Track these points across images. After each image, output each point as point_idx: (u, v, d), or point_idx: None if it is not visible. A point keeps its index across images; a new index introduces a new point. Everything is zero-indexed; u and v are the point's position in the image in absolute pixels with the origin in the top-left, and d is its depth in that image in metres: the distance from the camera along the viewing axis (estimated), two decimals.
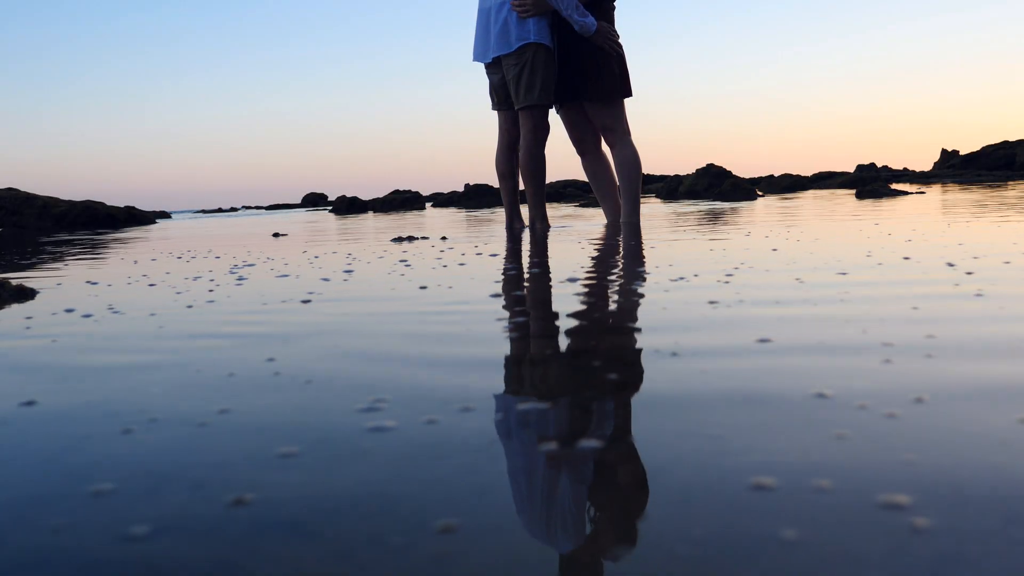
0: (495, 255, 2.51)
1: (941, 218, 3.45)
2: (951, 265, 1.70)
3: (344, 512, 0.53)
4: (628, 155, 3.95)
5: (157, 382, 0.92)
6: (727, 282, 1.57)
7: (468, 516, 0.51)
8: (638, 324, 1.17)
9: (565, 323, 1.22)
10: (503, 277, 1.89)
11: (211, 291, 1.85)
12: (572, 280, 1.76)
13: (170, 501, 0.56)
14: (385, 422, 0.73)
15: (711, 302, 1.33)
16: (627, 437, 0.65)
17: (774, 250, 2.23)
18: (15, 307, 1.70)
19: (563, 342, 1.07)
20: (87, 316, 1.51)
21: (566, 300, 1.46)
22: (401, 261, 2.44)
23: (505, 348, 1.04)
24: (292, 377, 0.92)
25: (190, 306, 1.59)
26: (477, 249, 2.81)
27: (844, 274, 1.62)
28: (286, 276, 2.13)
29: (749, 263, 1.91)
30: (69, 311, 1.59)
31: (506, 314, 1.32)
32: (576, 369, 0.91)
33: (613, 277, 1.78)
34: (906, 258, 1.87)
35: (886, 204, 5.43)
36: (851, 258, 1.93)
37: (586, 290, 1.58)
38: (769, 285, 1.51)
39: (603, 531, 0.48)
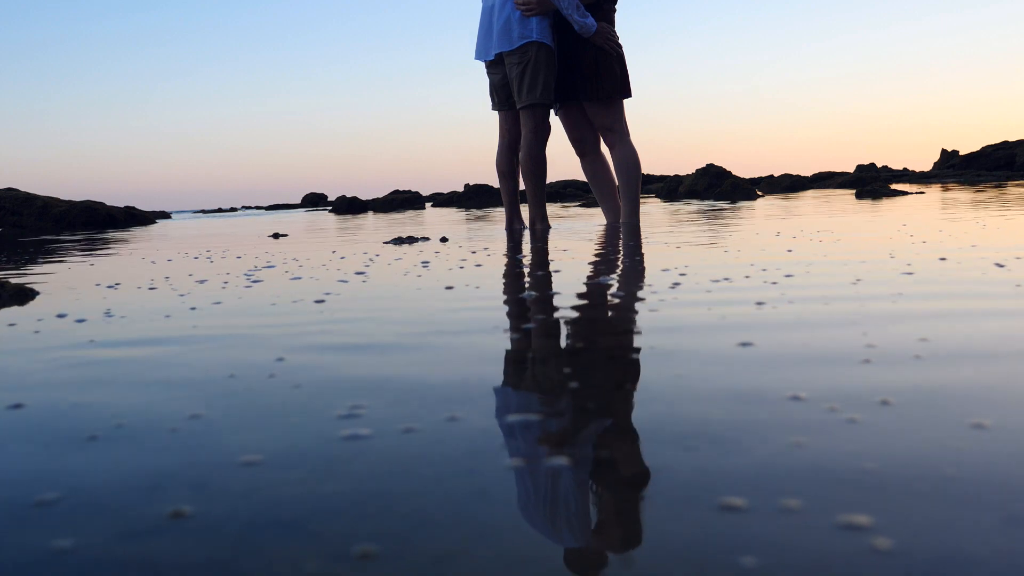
0: (495, 255, 2.51)
1: (960, 218, 3.45)
2: (1000, 266, 1.66)
3: (273, 532, 0.50)
4: (627, 155, 3.95)
5: (149, 384, 0.92)
6: (775, 282, 1.55)
7: (392, 540, 0.48)
8: (637, 327, 1.17)
9: (566, 327, 1.22)
10: (508, 280, 1.89)
11: (246, 287, 1.85)
12: (572, 285, 1.76)
13: (102, 514, 0.54)
14: (360, 430, 0.70)
15: (759, 303, 1.32)
16: (605, 454, 0.65)
17: (789, 251, 2.23)
18: (15, 308, 1.70)
19: (566, 347, 1.07)
20: (83, 320, 1.51)
21: (567, 302, 1.46)
22: (423, 263, 2.43)
23: (510, 354, 1.04)
24: (285, 380, 0.91)
25: (194, 308, 1.59)
26: (480, 251, 2.80)
27: (910, 274, 1.58)
28: (299, 279, 2.13)
29: (776, 265, 1.91)
30: (66, 314, 1.59)
31: (513, 320, 1.32)
32: (574, 377, 0.91)
33: (612, 280, 1.78)
34: (942, 259, 1.83)
35: (886, 204, 5.43)
36: (896, 259, 1.93)
37: (585, 293, 1.58)
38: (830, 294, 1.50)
39: (576, 553, 0.46)
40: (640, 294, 1.49)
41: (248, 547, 0.48)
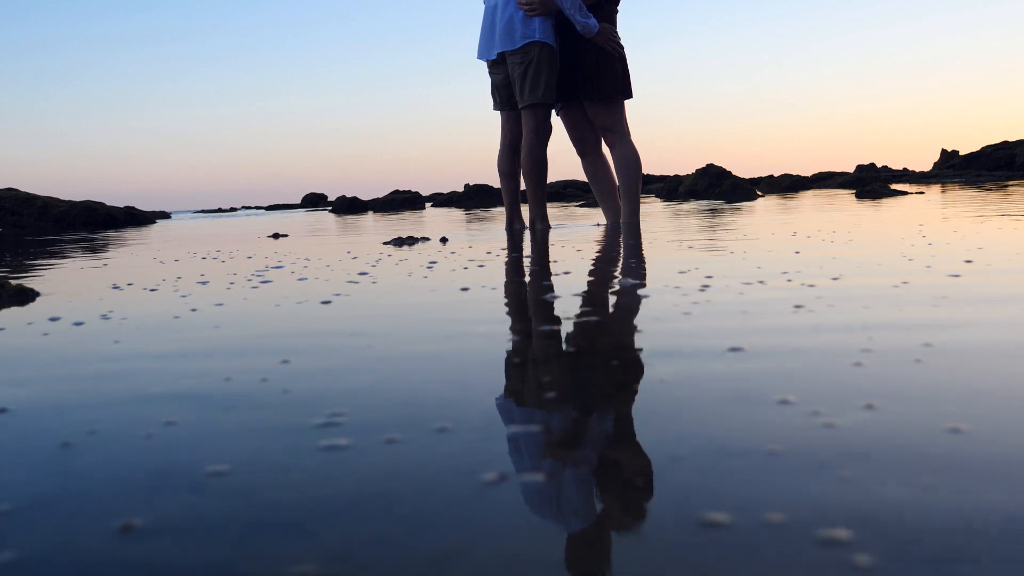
0: (500, 256, 2.50)
1: (972, 218, 3.44)
2: None
3: (205, 552, 0.48)
4: (628, 155, 3.95)
5: (143, 388, 0.91)
6: (811, 286, 1.54)
7: (329, 565, 0.46)
8: (642, 327, 1.16)
9: (568, 332, 1.21)
10: (510, 281, 1.88)
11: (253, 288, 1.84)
12: (571, 291, 1.75)
13: (46, 528, 0.52)
14: (339, 440, 0.67)
15: (797, 306, 1.31)
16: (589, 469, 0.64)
17: (796, 252, 2.22)
18: (15, 309, 1.70)
19: (607, 354, 1.06)
20: (81, 323, 1.50)
21: (595, 306, 1.45)
22: (429, 264, 2.43)
23: (517, 360, 1.03)
24: (277, 384, 0.89)
25: (195, 310, 1.58)
26: (482, 252, 2.79)
27: (957, 276, 1.53)
28: (304, 279, 2.12)
29: (797, 267, 1.90)
30: (71, 314, 1.58)
31: (516, 324, 1.32)
32: (573, 387, 0.90)
33: (634, 281, 1.77)
34: (968, 261, 1.78)
35: (888, 204, 5.42)
36: (933, 261, 1.92)
37: (609, 295, 1.57)
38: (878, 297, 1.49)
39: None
40: (668, 296, 1.44)
41: (208, 558, 0.48)
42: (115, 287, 2.07)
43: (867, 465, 0.57)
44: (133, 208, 10.48)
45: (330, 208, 14.99)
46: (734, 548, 0.45)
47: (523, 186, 4.08)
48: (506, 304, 1.46)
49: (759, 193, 10.73)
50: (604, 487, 0.56)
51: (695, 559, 0.44)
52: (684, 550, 0.45)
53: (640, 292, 1.52)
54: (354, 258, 2.69)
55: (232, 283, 2.04)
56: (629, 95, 3.92)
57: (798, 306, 1.27)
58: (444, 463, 0.61)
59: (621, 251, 2.51)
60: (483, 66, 4.09)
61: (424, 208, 12.59)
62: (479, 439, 0.67)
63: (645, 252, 2.40)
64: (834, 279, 1.56)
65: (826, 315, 1.18)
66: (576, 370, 0.91)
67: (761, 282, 1.57)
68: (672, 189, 11.37)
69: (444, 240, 3.45)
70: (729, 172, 10.55)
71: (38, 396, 0.89)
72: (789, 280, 1.57)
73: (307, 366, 0.98)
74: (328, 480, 0.59)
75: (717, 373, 0.86)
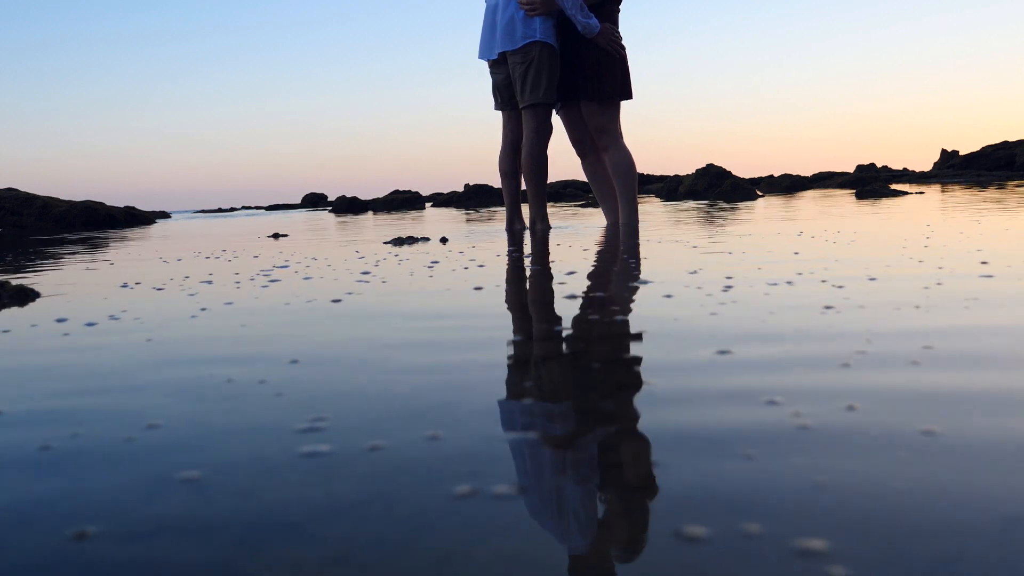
0: (501, 256, 2.50)
1: (979, 219, 3.44)
2: None
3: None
4: (622, 158, 3.94)
5: (139, 390, 0.91)
6: (840, 287, 1.55)
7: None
8: (641, 332, 1.16)
9: (570, 337, 1.21)
10: (535, 283, 1.88)
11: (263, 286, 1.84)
12: (572, 296, 1.75)
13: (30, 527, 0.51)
14: (320, 446, 0.65)
15: (827, 306, 1.30)
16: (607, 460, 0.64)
17: (796, 253, 2.22)
18: (15, 310, 1.69)
19: (575, 359, 1.06)
20: (94, 324, 1.50)
21: (569, 309, 1.45)
22: (429, 264, 2.42)
23: (522, 361, 1.03)
24: (273, 386, 0.88)
25: (205, 309, 1.58)
26: (484, 252, 2.79)
27: (990, 277, 1.50)
28: (310, 279, 2.12)
29: (808, 268, 1.90)
30: (73, 315, 1.58)
31: (528, 327, 1.32)
32: (577, 394, 0.90)
33: (650, 282, 1.77)
34: (983, 262, 1.74)
35: (888, 204, 5.42)
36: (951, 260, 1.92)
37: (628, 296, 1.57)
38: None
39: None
40: (692, 297, 1.42)
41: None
42: (124, 286, 2.07)
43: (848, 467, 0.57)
44: (133, 208, 10.48)
45: (330, 208, 14.99)
46: (713, 556, 0.45)
47: (524, 186, 4.08)
48: (511, 307, 1.46)
49: (759, 193, 10.73)
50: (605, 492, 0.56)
51: (681, 564, 0.44)
52: (667, 555, 0.45)
53: (641, 291, 1.53)
54: (361, 258, 2.69)
55: (239, 283, 2.04)
56: (629, 96, 3.92)
57: (828, 307, 1.25)
58: (445, 466, 0.61)
59: (621, 251, 2.51)
60: (484, 66, 4.10)
61: (424, 208, 12.60)
62: (499, 443, 0.67)
63: (646, 252, 2.40)
64: (871, 279, 1.55)
65: (852, 317, 1.18)
66: (578, 371, 0.91)
67: (789, 283, 1.54)
68: (672, 189, 11.37)
69: (444, 240, 3.45)
70: (729, 172, 10.55)
71: (35, 398, 0.89)
72: (823, 281, 1.55)
73: (307, 369, 0.98)
74: (266, 490, 0.57)
75: (717, 375, 0.86)
